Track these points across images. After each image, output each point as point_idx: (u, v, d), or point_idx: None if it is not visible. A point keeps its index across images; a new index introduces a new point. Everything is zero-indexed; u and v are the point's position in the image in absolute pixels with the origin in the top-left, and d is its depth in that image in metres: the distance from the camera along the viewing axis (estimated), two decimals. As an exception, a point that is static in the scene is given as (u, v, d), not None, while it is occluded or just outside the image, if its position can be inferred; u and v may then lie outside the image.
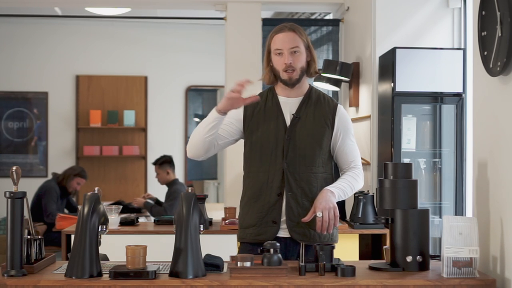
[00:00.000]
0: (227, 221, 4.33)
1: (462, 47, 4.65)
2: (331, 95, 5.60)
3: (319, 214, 2.77)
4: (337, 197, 2.86)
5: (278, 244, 2.52)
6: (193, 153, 2.96)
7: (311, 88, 3.03)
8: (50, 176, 7.20)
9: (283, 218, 2.90)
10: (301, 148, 2.91)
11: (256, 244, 2.87)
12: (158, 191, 7.24)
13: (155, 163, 6.81)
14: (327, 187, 2.87)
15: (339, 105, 3.02)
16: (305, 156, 2.91)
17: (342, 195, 2.89)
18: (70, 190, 6.81)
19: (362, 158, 4.91)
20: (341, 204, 4.95)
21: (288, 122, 2.94)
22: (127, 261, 2.43)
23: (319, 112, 2.95)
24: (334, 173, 3.02)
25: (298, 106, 2.96)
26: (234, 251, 3.59)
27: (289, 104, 2.97)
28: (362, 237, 4.40)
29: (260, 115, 2.93)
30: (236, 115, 2.96)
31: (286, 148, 2.90)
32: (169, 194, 6.60)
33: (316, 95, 3.01)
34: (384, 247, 2.76)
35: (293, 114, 2.94)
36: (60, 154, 8.49)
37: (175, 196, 6.42)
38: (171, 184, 6.67)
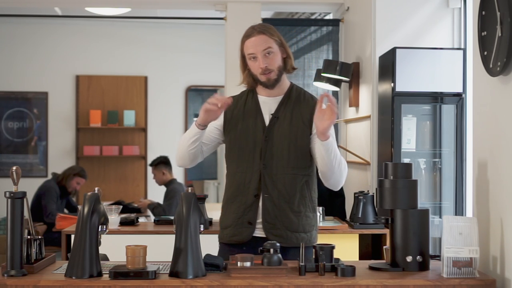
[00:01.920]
0: (227, 221, 4.33)
1: (462, 47, 4.65)
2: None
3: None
4: (330, 141, 2.73)
5: (278, 244, 2.51)
6: (181, 163, 3.00)
7: (292, 86, 2.97)
8: (50, 176, 7.20)
9: (259, 219, 2.86)
10: (278, 149, 2.85)
11: (232, 245, 2.87)
12: (158, 191, 7.24)
13: (151, 165, 6.84)
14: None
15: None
16: (282, 156, 2.85)
17: (333, 146, 2.74)
18: (70, 190, 6.82)
19: (362, 158, 4.96)
20: (341, 204, 4.97)
21: (267, 122, 2.89)
22: (127, 261, 2.43)
23: (297, 111, 2.88)
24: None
25: (277, 106, 2.92)
26: (234, 251, 3.58)
27: (268, 104, 2.92)
28: (362, 237, 4.39)
29: (239, 115, 2.90)
30: (218, 120, 2.91)
31: (264, 148, 2.85)
32: (166, 194, 6.62)
33: (297, 94, 2.94)
34: (384, 247, 2.76)
35: (271, 114, 2.90)
36: (60, 154, 8.49)
37: (172, 196, 6.44)
38: (168, 184, 6.69)
